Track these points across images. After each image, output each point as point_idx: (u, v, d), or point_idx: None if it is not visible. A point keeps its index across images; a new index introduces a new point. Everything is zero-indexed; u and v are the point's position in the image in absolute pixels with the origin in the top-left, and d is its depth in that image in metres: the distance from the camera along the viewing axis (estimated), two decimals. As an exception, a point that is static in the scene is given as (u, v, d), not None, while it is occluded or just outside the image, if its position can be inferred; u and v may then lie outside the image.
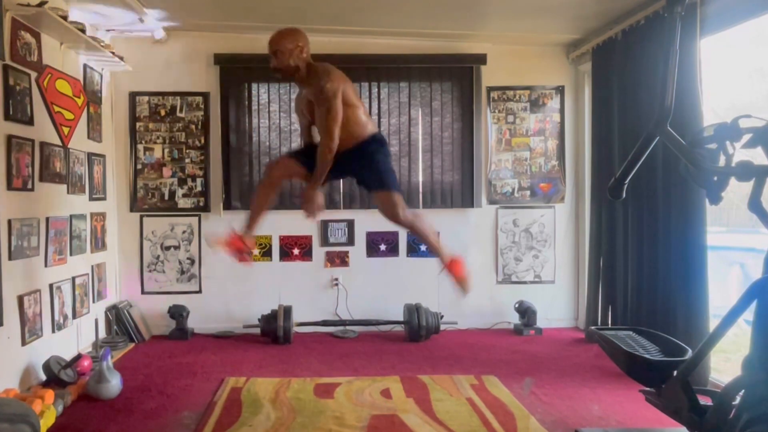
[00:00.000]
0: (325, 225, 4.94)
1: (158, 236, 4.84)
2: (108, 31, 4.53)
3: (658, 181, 3.74)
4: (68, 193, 3.92)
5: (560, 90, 5.08)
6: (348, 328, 4.83)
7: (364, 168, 3.10)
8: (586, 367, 3.85)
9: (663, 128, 2.50)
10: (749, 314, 2.06)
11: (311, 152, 3.11)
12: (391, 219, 3.08)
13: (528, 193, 5.07)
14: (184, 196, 4.85)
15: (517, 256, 5.09)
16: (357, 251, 4.98)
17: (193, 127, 4.84)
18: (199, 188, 4.85)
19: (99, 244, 4.42)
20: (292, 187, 4.86)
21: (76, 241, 4.00)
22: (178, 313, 4.61)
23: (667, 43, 2.53)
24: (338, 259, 4.96)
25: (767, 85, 5.03)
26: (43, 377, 3.38)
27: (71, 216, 3.95)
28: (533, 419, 2.92)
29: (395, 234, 4.99)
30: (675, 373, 2.36)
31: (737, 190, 2.44)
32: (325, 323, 4.77)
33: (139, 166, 4.82)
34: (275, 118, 4.87)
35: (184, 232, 4.86)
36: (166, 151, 4.83)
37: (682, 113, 3.27)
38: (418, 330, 4.51)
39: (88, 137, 4.27)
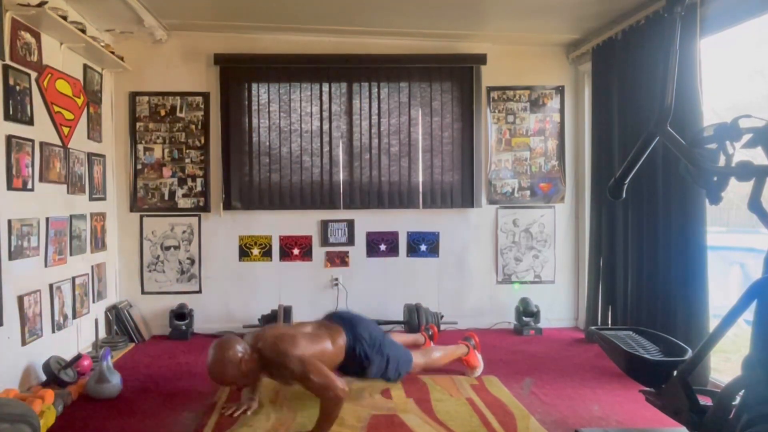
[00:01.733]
0: (325, 225, 4.94)
1: (158, 236, 4.84)
2: (108, 31, 4.53)
3: (658, 181, 3.74)
4: (68, 193, 3.93)
5: (560, 90, 5.08)
6: (348, 328, 4.82)
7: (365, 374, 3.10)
8: (586, 367, 3.85)
9: (663, 128, 2.50)
10: (749, 314, 2.06)
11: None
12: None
13: (528, 193, 5.07)
14: (184, 196, 4.85)
15: (517, 256, 5.09)
16: (357, 251, 4.98)
17: (193, 127, 4.84)
18: (199, 188, 4.85)
19: (99, 244, 4.42)
20: (292, 188, 4.86)
21: (76, 241, 4.00)
22: (182, 313, 4.61)
23: (667, 43, 2.53)
24: (338, 259, 4.96)
25: (767, 85, 5.03)
26: (43, 377, 3.38)
27: (71, 216, 3.95)
28: (533, 419, 2.92)
29: (395, 234, 4.99)
30: (675, 373, 2.36)
31: (737, 190, 2.44)
32: (325, 323, 4.76)
33: (139, 166, 4.82)
34: (275, 118, 4.87)
35: (184, 232, 4.86)
36: (166, 151, 4.83)
37: (682, 113, 3.28)
38: (418, 330, 4.51)
39: (88, 137, 4.27)
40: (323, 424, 2.67)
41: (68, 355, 3.60)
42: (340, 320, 3.10)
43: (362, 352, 3.00)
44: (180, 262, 4.87)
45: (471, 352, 3.69)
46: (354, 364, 2.99)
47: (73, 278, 3.97)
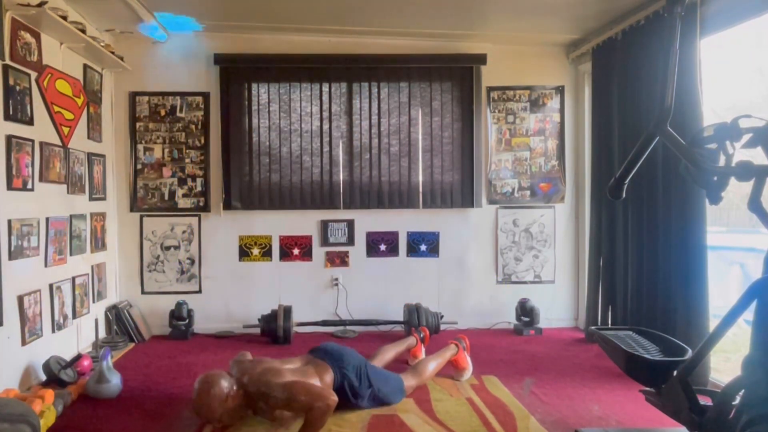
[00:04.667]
0: (325, 225, 4.94)
1: (158, 236, 4.84)
2: (108, 31, 4.53)
3: (658, 181, 3.74)
4: (68, 193, 3.93)
5: (560, 90, 5.08)
6: (348, 328, 4.83)
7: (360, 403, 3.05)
8: (586, 367, 3.85)
9: (663, 128, 2.50)
10: (749, 314, 2.06)
11: None
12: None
13: (528, 193, 5.07)
14: (184, 196, 4.85)
15: (517, 256, 5.09)
16: (357, 251, 4.98)
17: (193, 127, 4.84)
18: (199, 188, 4.85)
19: (99, 244, 4.42)
20: (292, 188, 4.87)
21: (76, 241, 4.00)
22: (182, 312, 4.61)
23: (667, 43, 2.53)
24: (338, 259, 4.96)
25: (767, 85, 5.03)
26: (43, 377, 3.38)
27: (71, 216, 3.95)
28: (533, 419, 2.92)
29: (395, 234, 4.99)
30: (675, 373, 2.36)
31: (737, 190, 2.45)
32: (325, 323, 4.77)
33: (139, 166, 4.82)
34: (275, 118, 4.87)
35: (184, 232, 4.86)
36: (166, 151, 4.83)
37: (682, 113, 3.28)
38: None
39: (88, 137, 4.27)
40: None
41: (68, 355, 3.60)
42: (325, 355, 3.06)
43: (350, 387, 2.98)
44: (180, 262, 4.87)
45: (460, 352, 3.65)
46: (343, 399, 2.92)
47: (73, 278, 3.97)
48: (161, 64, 4.80)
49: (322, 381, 2.90)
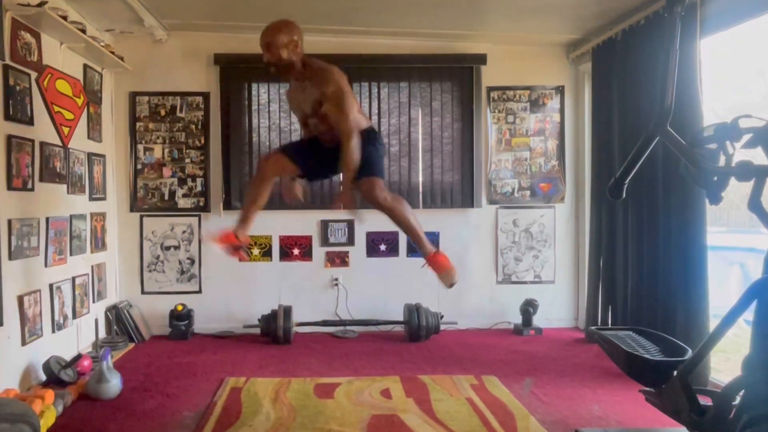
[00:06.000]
0: (325, 225, 4.94)
1: (158, 236, 4.84)
2: (108, 31, 4.53)
3: (658, 181, 3.74)
4: (68, 193, 3.93)
5: (560, 90, 5.08)
6: (348, 328, 4.83)
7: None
8: (586, 367, 3.86)
9: (663, 128, 2.50)
10: (749, 314, 2.06)
11: (305, 149, 3.12)
12: (372, 201, 2.98)
13: (528, 193, 5.07)
14: (184, 196, 4.85)
15: (517, 256, 5.09)
16: (357, 251, 4.98)
17: (193, 127, 4.84)
18: (199, 188, 4.85)
19: (99, 244, 4.42)
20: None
21: (76, 241, 4.00)
22: (183, 315, 4.62)
23: (667, 43, 2.53)
24: (338, 259, 4.96)
25: (767, 85, 5.03)
26: (43, 377, 3.38)
27: (71, 216, 3.95)
28: (533, 419, 2.92)
29: (395, 234, 4.99)
30: (675, 373, 2.36)
31: (737, 190, 2.44)
32: (325, 323, 4.77)
33: (139, 166, 4.82)
34: (275, 118, 4.87)
35: (184, 232, 4.86)
36: (166, 151, 4.83)
37: (682, 113, 3.27)
38: (418, 330, 4.51)
39: (88, 137, 4.27)
40: (348, 163, 2.83)
41: (68, 355, 3.60)
42: None
43: (370, 135, 3.04)
44: (180, 262, 4.87)
45: (436, 252, 3.09)
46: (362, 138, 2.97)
47: (73, 278, 3.97)
48: (161, 64, 4.79)
49: (362, 115, 3.06)
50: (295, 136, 4.86)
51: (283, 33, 2.84)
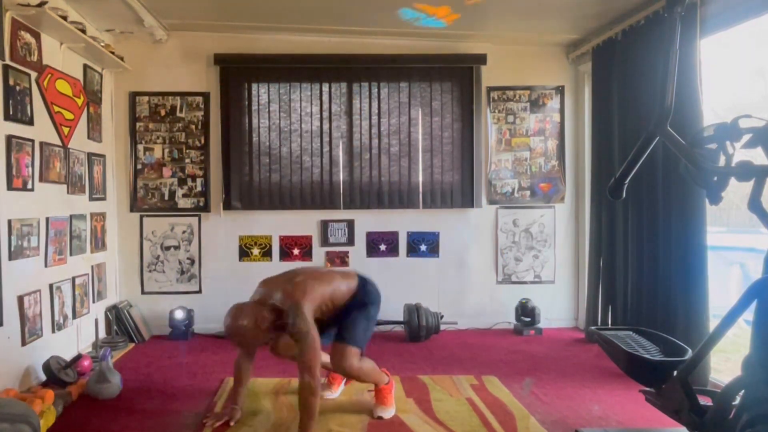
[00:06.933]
0: (325, 225, 4.94)
1: (158, 236, 4.84)
2: (108, 31, 4.53)
3: (658, 181, 3.74)
4: (68, 193, 3.92)
5: (560, 90, 5.08)
6: (348, 328, 4.82)
7: (340, 321, 2.94)
8: (586, 367, 3.86)
9: (663, 128, 2.50)
10: (749, 314, 2.06)
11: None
12: (335, 367, 2.89)
13: (528, 193, 5.07)
14: (184, 196, 4.85)
15: (517, 256, 5.09)
16: (357, 251, 4.98)
17: (193, 127, 4.84)
18: (199, 188, 4.85)
19: (99, 244, 4.42)
20: (292, 188, 4.87)
21: (76, 241, 4.00)
22: (183, 318, 4.62)
23: (667, 43, 2.53)
24: (338, 259, 4.96)
25: (767, 85, 5.03)
26: (43, 377, 3.38)
27: (71, 216, 3.95)
28: (533, 419, 2.92)
29: (395, 234, 4.99)
30: (675, 373, 2.36)
31: (737, 190, 2.44)
32: (325, 323, 4.76)
33: (139, 166, 4.82)
34: (275, 118, 4.87)
35: (184, 232, 4.86)
36: (166, 151, 4.83)
37: (682, 113, 3.27)
38: (418, 330, 4.51)
39: (88, 137, 4.27)
40: (304, 419, 2.59)
41: (68, 355, 3.60)
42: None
43: (359, 301, 2.95)
44: (180, 262, 4.87)
45: (391, 385, 3.10)
46: (348, 306, 2.91)
47: (73, 278, 3.97)
48: (161, 64, 4.80)
49: (346, 280, 2.99)
50: (295, 136, 4.86)
51: (246, 333, 2.70)
